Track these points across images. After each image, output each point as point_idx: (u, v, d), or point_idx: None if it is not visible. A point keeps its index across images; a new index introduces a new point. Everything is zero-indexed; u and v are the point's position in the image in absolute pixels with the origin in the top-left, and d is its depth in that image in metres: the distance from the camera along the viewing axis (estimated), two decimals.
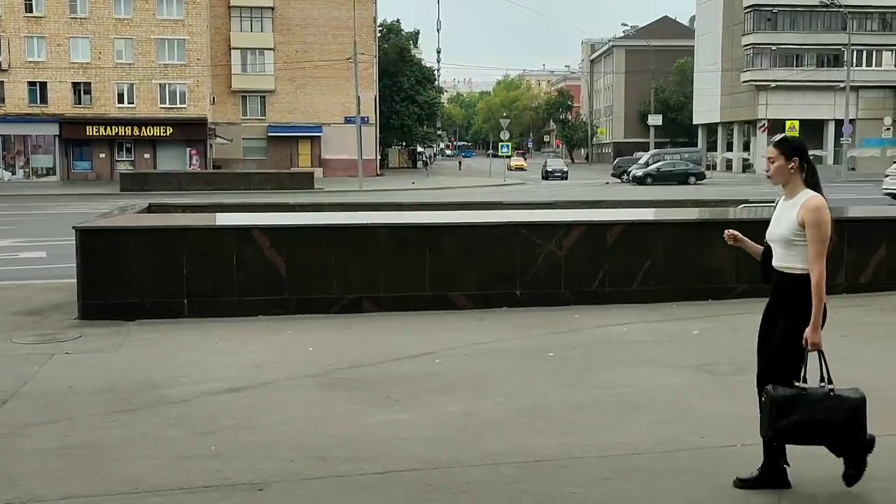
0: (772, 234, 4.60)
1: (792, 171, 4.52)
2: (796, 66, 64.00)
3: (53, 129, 53.18)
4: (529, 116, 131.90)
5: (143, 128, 53.74)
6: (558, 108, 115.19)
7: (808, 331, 4.37)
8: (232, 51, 60.19)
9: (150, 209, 13.23)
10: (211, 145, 56.44)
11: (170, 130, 53.94)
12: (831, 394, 4.37)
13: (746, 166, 68.11)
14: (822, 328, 4.42)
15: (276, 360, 7.67)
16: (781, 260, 4.54)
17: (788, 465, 4.62)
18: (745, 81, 65.08)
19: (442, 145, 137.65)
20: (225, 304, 9.49)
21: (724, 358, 7.60)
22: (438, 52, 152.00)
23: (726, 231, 4.90)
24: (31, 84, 52.99)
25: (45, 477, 4.90)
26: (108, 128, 53.42)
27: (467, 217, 11.63)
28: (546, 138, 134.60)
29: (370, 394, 6.61)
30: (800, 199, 4.48)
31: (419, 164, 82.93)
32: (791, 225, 4.46)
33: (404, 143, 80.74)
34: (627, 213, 12.58)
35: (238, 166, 56.06)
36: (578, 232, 10.26)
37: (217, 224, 11.09)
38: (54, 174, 53.67)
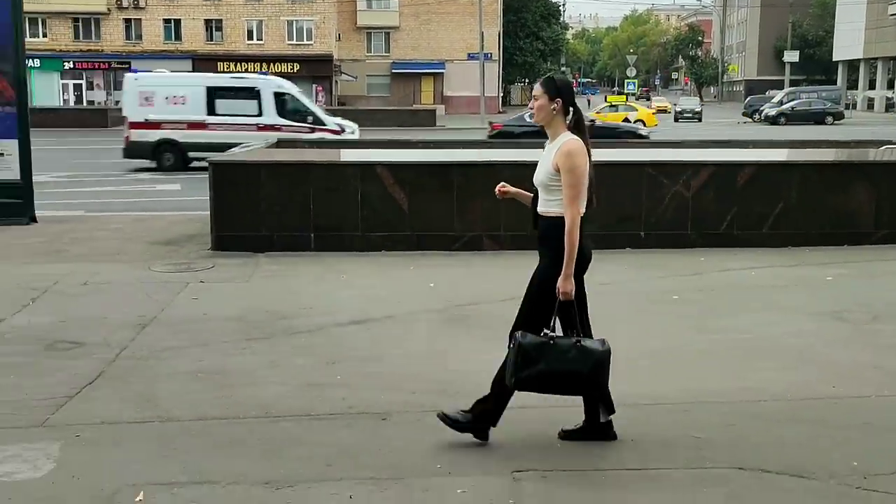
0: (535, 178, 4.43)
1: (555, 111, 4.32)
2: None
3: (187, 66, 54.83)
4: (657, 53, 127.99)
5: (271, 64, 54.80)
6: (688, 44, 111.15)
7: (560, 279, 4.21)
8: None
9: (279, 144, 13.55)
10: (336, 82, 57.19)
11: (296, 67, 54.88)
12: (578, 345, 4.22)
13: (889, 106, 64.29)
14: (583, 275, 4.33)
15: (397, 294, 7.80)
16: (541, 204, 4.40)
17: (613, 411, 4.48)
18: (892, 14, 61.12)
19: None
20: (349, 238, 9.69)
21: (859, 306, 7.29)
22: None
23: (497, 188, 4.69)
24: (167, 21, 54.80)
25: (182, 399, 5.16)
26: (238, 64, 54.72)
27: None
28: (674, 76, 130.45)
29: (490, 331, 6.63)
30: (558, 142, 4.31)
31: None
32: (547, 169, 4.31)
33: (527, 81, 79.71)
34: (759, 154, 12.12)
35: (362, 103, 56.64)
36: (707, 172, 9.96)
37: (342, 160, 11.28)
38: None
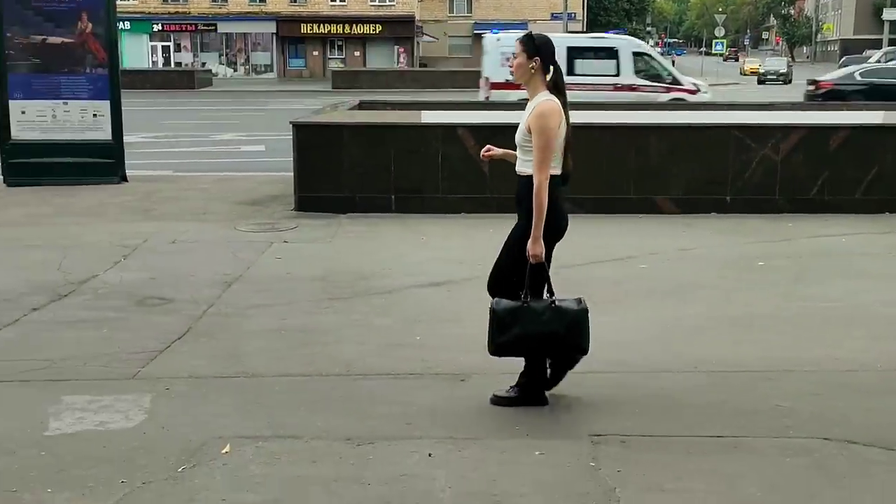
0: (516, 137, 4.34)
1: (533, 70, 4.25)
2: None
3: (271, 28, 55.55)
4: (747, 12, 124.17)
5: (354, 25, 55.07)
6: (780, 3, 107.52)
7: (529, 241, 4.19)
8: None
9: (361, 106, 13.61)
10: (418, 43, 57.11)
11: (379, 28, 54.99)
12: (552, 306, 4.20)
13: None
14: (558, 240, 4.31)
15: (477, 257, 7.79)
16: (518, 164, 4.38)
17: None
18: None
19: (651, 42, 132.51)
20: (429, 200, 9.72)
21: None
22: None
23: (482, 151, 4.63)
24: None
25: (266, 355, 5.28)
26: (321, 26, 55.14)
27: (676, 117, 11.21)
28: (764, 35, 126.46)
29: (570, 295, 6.60)
30: (534, 102, 4.24)
31: None
32: (522, 129, 4.27)
33: None
34: (853, 116, 11.70)
35: (443, 64, 56.49)
36: (797, 135, 9.66)
37: (423, 122, 11.28)
38: (271, 71, 56.31)
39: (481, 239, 8.56)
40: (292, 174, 10.06)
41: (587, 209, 9.61)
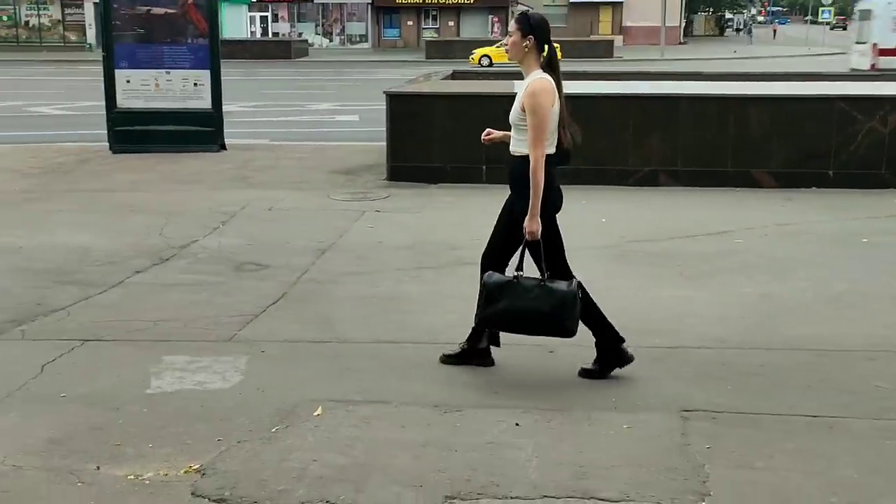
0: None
1: (527, 49, 4.27)
2: None
3: None
4: None
5: None
6: None
7: (526, 219, 4.21)
8: None
9: (454, 76, 13.61)
10: (512, 13, 56.54)
11: None
12: (542, 284, 4.22)
13: None
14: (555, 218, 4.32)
15: (568, 228, 7.71)
16: (511, 143, 4.37)
17: (497, 345, 4.61)
18: None
19: (753, 11, 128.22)
20: None
21: None
22: None
23: (482, 135, 4.66)
24: None
25: (357, 322, 5.37)
26: None
27: (777, 88, 10.86)
28: None
29: (663, 268, 6.52)
30: (527, 81, 4.26)
31: (728, 31, 77.69)
32: (516, 108, 4.29)
33: (711, 10, 76.16)
34: None
35: None
36: None
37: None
38: (366, 41, 56.68)
39: (573, 210, 8.46)
40: (385, 144, 10.14)
41: (683, 182, 9.45)
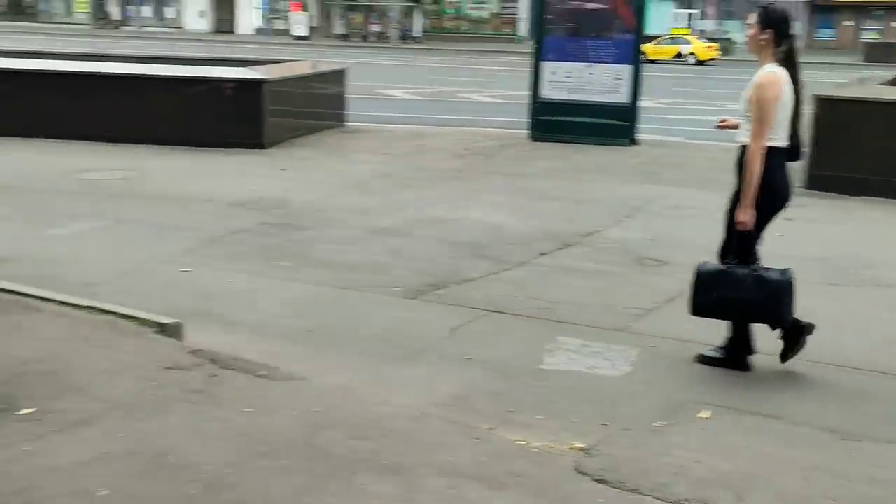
0: None
1: (763, 43, 4.28)
2: None
3: None
4: None
5: None
6: None
7: (737, 210, 4.26)
8: None
9: (895, 82, 12.44)
10: None
11: None
12: (755, 274, 4.25)
13: None
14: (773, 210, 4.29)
15: None
16: (739, 133, 4.39)
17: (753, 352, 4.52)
18: None
19: None
20: None
21: None
22: None
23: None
24: None
25: (756, 331, 5.18)
26: None
27: None
28: None
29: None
30: (758, 73, 4.25)
31: None
32: (745, 99, 4.30)
33: None
34: None
35: None
36: None
37: None
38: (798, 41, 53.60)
39: None
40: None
41: None
